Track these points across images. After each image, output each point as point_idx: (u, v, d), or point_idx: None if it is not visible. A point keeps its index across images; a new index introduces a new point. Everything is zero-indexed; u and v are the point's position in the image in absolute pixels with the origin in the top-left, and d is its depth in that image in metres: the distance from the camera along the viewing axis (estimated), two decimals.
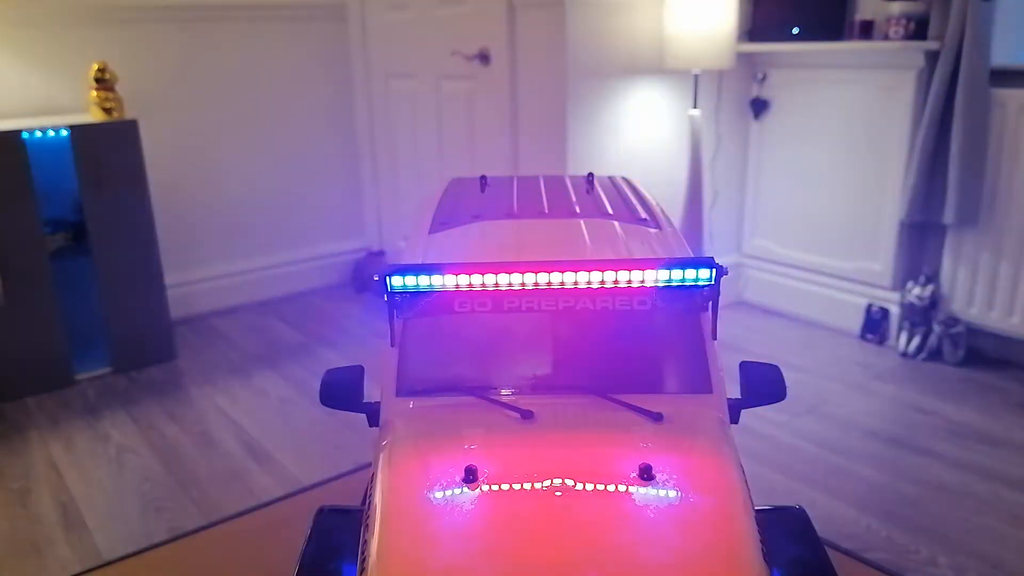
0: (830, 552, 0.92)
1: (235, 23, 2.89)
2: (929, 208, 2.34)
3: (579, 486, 0.83)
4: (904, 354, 2.45)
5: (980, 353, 2.41)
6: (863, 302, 2.58)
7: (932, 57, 2.27)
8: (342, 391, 1.07)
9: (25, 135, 2.19)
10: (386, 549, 0.78)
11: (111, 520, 1.71)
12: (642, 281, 0.96)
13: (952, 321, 2.38)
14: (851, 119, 2.51)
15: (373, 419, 1.04)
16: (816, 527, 0.94)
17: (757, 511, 0.84)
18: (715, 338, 1.02)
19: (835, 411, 2.12)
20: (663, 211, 1.28)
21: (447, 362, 1.03)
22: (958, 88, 2.19)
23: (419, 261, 1.07)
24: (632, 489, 0.83)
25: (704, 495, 0.84)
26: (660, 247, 1.12)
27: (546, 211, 1.23)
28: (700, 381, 1.01)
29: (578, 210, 1.22)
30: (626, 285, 0.96)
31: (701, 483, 0.85)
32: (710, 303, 1.00)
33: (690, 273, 0.95)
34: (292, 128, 3.11)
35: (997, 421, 2.05)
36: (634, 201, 1.29)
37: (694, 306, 1.01)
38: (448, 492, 0.83)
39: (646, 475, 0.84)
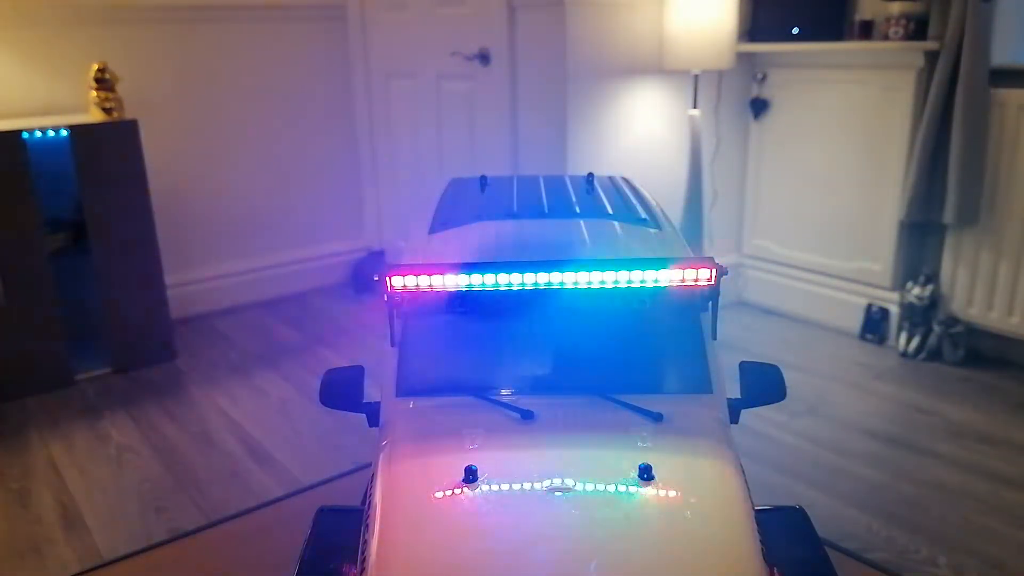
0: (830, 552, 0.92)
1: (235, 23, 2.89)
2: (929, 208, 2.34)
3: (579, 486, 0.83)
4: (904, 354, 2.45)
5: (980, 353, 2.41)
6: (863, 302, 2.58)
7: (932, 57, 2.27)
8: (342, 391, 1.07)
9: (25, 135, 2.19)
10: (386, 549, 0.78)
11: (111, 520, 1.71)
12: (642, 281, 0.96)
13: (952, 321, 2.38)
14: (851, 119, 2.51)
15: (373, 419, 1.04)
16: (816, 527, 0.94)
17: (757, 511, 0.84)
18: (715, 338, 1.02)
19: (835, 411, 2.12)
20: (663, 211, 1.28)
21: (447, 362, 1.03)
22: (958, 88, 2.19)
23: (419, 261, 1.07)
24: (632, 489, 0.83)
25: (704, 495, 0.84)
26: (660, 247, 1.12)
27: (546, 211, 1.23)
28: (700, 381, 1.01)
29: (578, 210, 1.22)
30: (626, 285, 0.96)
31: (701, 483, 0.85)
32: (710, 303, 1.00)
33: (690, 273, 0.95)
34: (292, 128, 3.11)
35: (997, 421, 2.05)
36: (634, 201, 1.29)
37: (694, 306, 1.02)
38: (448, 492, 0.83)
39: (646, 475, 0.84)
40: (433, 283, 0.96)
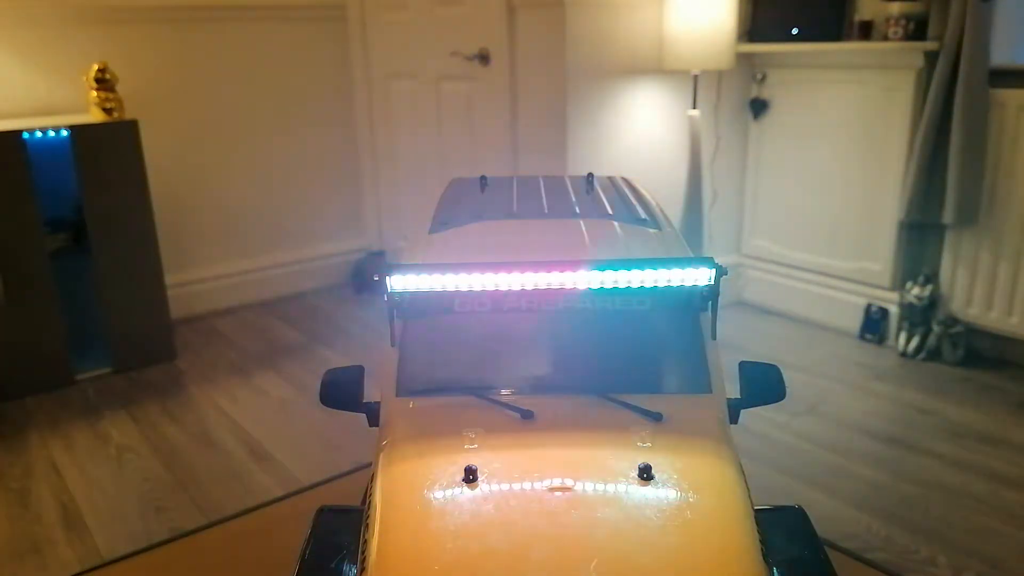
0: (830, 552, 0.92)
1: (235, 23, 2.89)
2: (928, 208, 2.34)
3: (579, 486, 0.83)
4: (903, 354, 2.45)
5: (979, 353, 2.41)
6: (862, 302, 2.58)
7: (931, 57, 2.27)
8: (342, 391, 1.07)
9: (26, 135, 2.19)
10: (386, 549, 0.78)
11: (111, 520, 1.71)
12: (642, 281, 0.96)
13: (951, 321, 2.38)
14: (851, 119, 2.51)
15: (373, 419, 1.04)
16: (816, 527, 0.94)
17: (757, 511, 0.84)
18: (715, 338, 1.02)
19: (835, 411, 2.12)
20: (663, 211, 1.28)
21: (447, 362, 1.03)
22: (957, 88, 2.19)
23: (419, 261, 1.07)
24: (632, 489, 0.83)
25: (704, 495, 0.84)
26: (660, 247, 1.12)
27: (546, 211, 1.23)
28: (700, 381, 1.01)
29: (578, 210, 1.22)
30: (626, 285, 0.96)
31: (701, 483, 0.85)
32: (710, 303, 1.00)
33: (690, 273, 0.95)
34: (292, 128, 3.11)
35: (997, 421, 2.05)
36: (634, 201, 1.29)
37: (694, 306, 1.01)
38: (448, 492, 0.83)
39: (646, 475, 0.84)
40: (433, 283, 0.96)
